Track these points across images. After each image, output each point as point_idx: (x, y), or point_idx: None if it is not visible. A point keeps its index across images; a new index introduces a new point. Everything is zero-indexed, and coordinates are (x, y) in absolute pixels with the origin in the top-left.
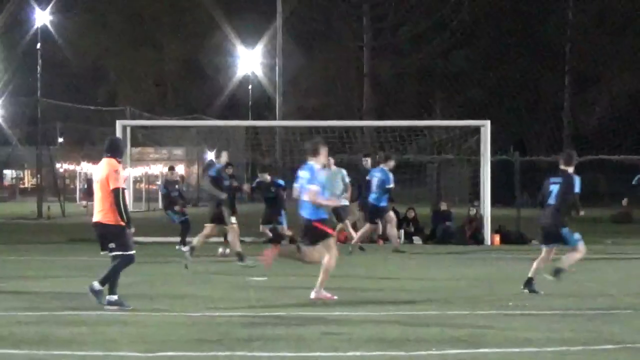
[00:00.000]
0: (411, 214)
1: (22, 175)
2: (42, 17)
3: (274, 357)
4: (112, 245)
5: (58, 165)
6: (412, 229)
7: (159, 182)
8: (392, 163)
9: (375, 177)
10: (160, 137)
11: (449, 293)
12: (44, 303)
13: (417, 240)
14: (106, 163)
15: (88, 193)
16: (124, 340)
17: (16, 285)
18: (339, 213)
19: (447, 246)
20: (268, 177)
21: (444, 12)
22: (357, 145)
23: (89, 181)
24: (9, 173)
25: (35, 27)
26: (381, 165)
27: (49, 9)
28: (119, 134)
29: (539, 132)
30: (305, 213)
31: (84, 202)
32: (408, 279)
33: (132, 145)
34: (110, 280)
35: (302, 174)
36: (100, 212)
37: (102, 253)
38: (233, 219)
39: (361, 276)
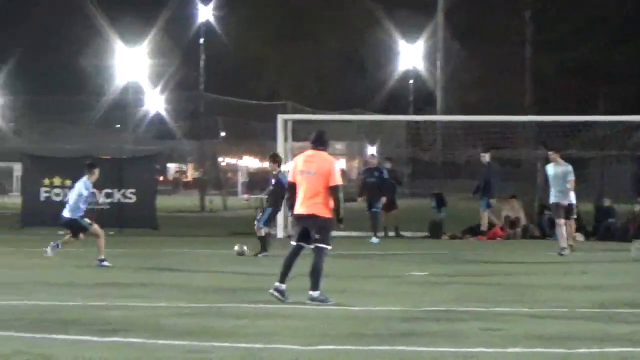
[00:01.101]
0: None
1: (185, 168)
2: (205, 13)
3: (433, 352)
4: (317, 236)
5: (220, 159)
6: (575, 225)
7: None
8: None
9: None
10: None
11: (610, 291)
12: (205, 295)
13: (579, 236)
14: (323, 157)
15: (249, 187)
16: (284, 332)
17: (179, 277)
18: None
19: (609, 243)
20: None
21: (607, 6)
22: (518, 140)
23: (250, 175)
24: (172, 167)
25: (198, 22)
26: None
27: (211, 4)
28: (279, 128)
29: None
30: None
31: (246, 196)
32: (568, 275)
33: (293, 140)
34: (318, 276)
35: None
36: (313, 204)
37: (295, 243)
38: None
39: (520, 273)
